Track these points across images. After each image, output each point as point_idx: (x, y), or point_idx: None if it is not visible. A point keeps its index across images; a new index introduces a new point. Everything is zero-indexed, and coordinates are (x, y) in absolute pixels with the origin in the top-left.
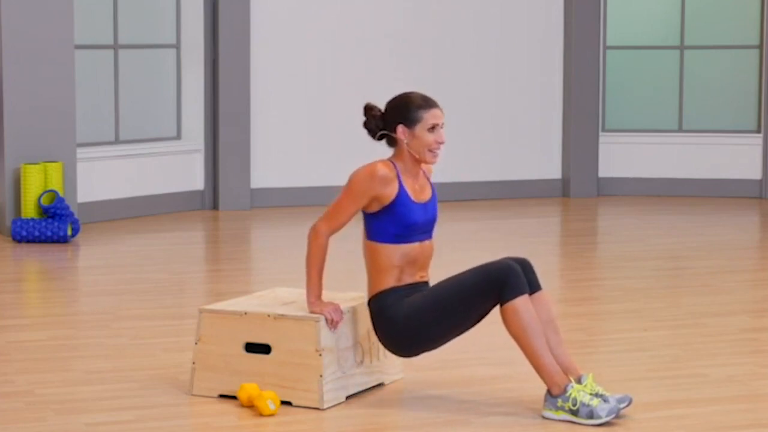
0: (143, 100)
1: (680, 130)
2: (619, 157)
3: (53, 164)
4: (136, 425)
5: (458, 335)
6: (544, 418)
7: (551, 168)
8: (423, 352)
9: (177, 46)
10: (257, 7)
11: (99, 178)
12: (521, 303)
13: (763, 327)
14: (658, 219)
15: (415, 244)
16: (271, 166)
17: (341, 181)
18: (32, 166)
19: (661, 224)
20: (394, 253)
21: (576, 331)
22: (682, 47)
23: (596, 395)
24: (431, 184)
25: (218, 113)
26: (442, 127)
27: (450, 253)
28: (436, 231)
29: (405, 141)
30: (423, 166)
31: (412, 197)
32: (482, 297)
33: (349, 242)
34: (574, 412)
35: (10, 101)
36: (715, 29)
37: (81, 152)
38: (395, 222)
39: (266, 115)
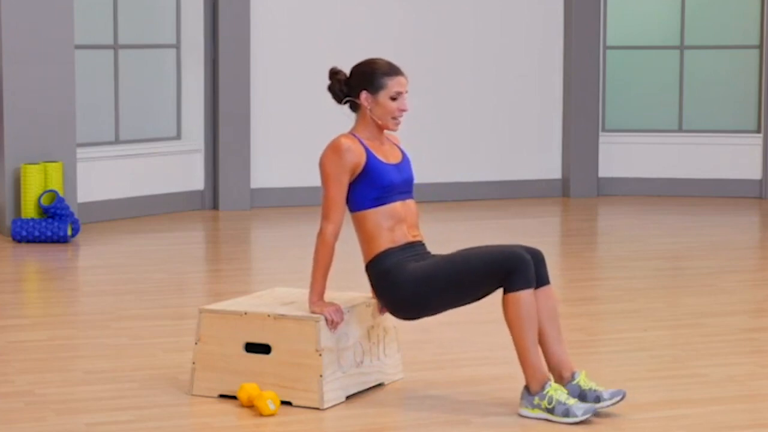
0: (143, 100)
1: (680, 130)
2: (619, 157)
3: (53, 164)
4: (136, 425)
5: (460, 306)
6: (520, 416)
7: (551, 168)
8: (424, 317)
9: (177, 46)
10: (257, 7)
11: (99, 178)
12: (525, 296)
13: (763, 327)
14: (658, 219)
15: (397, 203)
16: (271, 166)
17: None
18: (32, 166)
19: (661, 224)
20: (380, 215)
21: (576, 331)
22: (682, 47)
23: (590, 391)
24: (401, 149)
25: (218, 113)
26: (406, 96)
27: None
28: (438, 232)
29: (368, 108)
30: (387, 134)
31: (382, 159)
32: (489, 279)
33: (348, 243)
34: (550, 411)
35: (10, 101)
36: (715, 29)
37: (81, 152)
38: (372, 185)
39: (266, 115)
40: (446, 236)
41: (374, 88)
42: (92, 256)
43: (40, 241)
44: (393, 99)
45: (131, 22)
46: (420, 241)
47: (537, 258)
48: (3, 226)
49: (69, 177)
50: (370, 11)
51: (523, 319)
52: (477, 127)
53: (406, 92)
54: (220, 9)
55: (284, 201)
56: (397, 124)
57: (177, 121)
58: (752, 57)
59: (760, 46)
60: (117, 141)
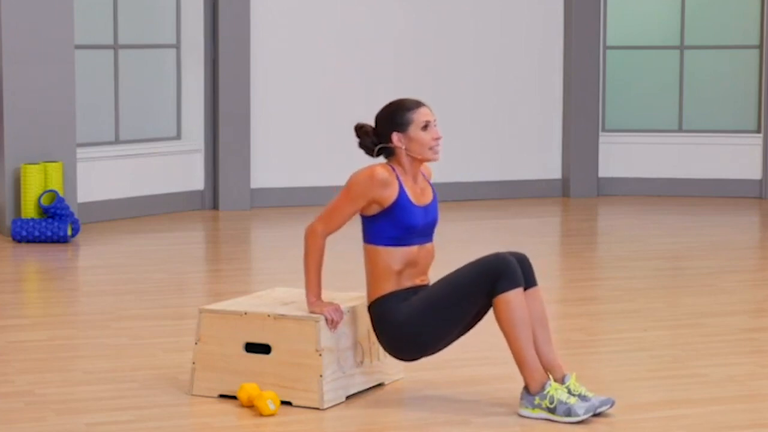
0: (143, 100)
1: (680, 130)
2: (619, 157)
3: (53, 164)
4: (136, 425)
5: (459, 334)
6: (520, 416)
7: (551, 168)
8: (425, 354)
9: (177, 46)
10: (257, 7)
11: (99, 178)
12: (515, 296)
13: (763, 327)
14: (658, 219)
15: (414, 248)
16: (271, 166)
17: (341, 181)
18: (32, 166)
19: (661, 224)
20: (393, 256)
21: (576, 331)
22: (682, 47)
23: (579, 396)
24: (432, 187)
25: (218, 113)
26: (435, 124)
27: (450, 253)
28: (437, 233)
29: (403, 147)
30: (422, 168)
31: (413, 200)
32: (478, 290)
33: (348, 243)
34: (552, 410)
35: (10, 101)
36: (715, 29)
37: (81, 152)
38: (394, 224)
39: (266, 115)
40: (446, 236)
41: (402, 126)
42: (92, 256)
43: (40, 241)
44: (423, 130)
45: (131, 22)
46: (425, 285)
47: (522, 261)
48: (3, 226)
49: (69, 177)
50: (370, 11)
51: (516, 319)
52: (477, 127)
53: (435, 120)
54: (220, 9)
55: (284, 201)
56: (436, 153)
57: (177, 121)
58: (752, 57)
59: (760, 46)
60: (117, 141)
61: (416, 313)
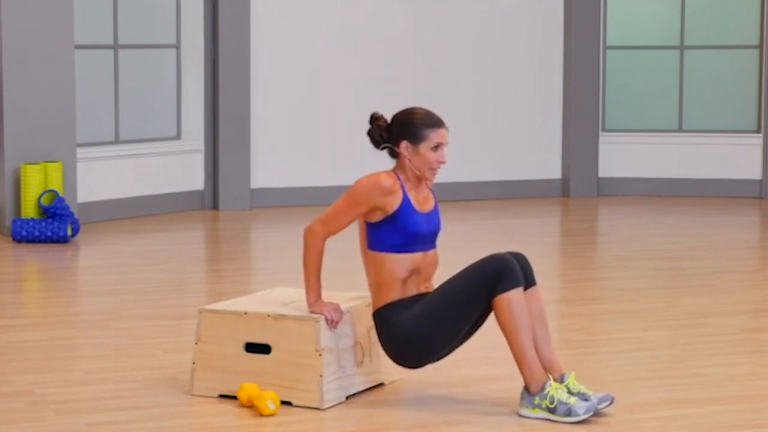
0: (143, 100)
1: (680, 130)
2: (619, 157)
3: (53, 164)
4: (136, 425)
5: (463, 339)
6: (520, 416)
7: (551, 168)
8: (429, 361)
9: (177, 46)
10: (257, 7)
11: (99, 178)
12: (515, 295)
13: (763, 327)
14: (658, 219)
15: (419, 254)
16: (271, 166)
17: (341, 181)
18: (32, 166)
19: (661, 224)
20: (398, 263)
21: (576, 331)
22: (682, 47)
23: (578, 394)
24: (434, 195)
25: (218, 113)
26: (445, 147)
27: (450, 253)
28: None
29: (407, 157)
30: None
31: (416, 207)
32: (479, 292)
33: (348, 242)
34: (552, 410)
35: (10, 101)
36: (715, 29)
37: (81, 152)
38: (398, 231)
39: (266, 115)
40: (447, 236)
41: (415, 139)
42: (92, 256)
43: (40, 241)
44: (432, 150)
45: (131, 22)
46: (429, 292)
47: (521, 260)
48: (3, 226)
49: (69, 177)
50: (370, 11)
51: (516, 319)
52: (477, 127)
53: (446, 143)
54: (220, 9)
55: (284, 201)
56: (434, 174)
57: (177, 121)
58: (752, 57)
59: (760, 46)
60: (117, 141)
61: (419, 321)
